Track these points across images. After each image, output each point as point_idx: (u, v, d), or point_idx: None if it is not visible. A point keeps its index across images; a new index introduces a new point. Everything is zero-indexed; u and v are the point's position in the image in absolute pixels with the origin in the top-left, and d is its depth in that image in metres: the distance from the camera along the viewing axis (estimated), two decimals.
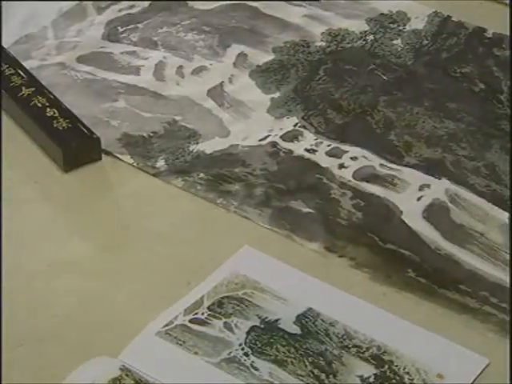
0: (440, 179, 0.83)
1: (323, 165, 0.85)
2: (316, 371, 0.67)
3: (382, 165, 0.85)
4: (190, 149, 0.88)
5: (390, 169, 0.85)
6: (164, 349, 0.68)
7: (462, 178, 0.84)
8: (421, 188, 0.83)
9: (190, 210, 0.81)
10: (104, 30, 1.03)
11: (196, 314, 0.71)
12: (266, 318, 0.71)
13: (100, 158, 0.86)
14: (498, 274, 0.75)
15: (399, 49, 0.99)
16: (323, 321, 0.70)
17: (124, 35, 1.02)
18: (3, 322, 0.70)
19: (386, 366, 0.67)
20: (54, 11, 1.06)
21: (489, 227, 0.79)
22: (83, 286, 0.74)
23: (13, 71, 0.92)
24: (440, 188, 0.83)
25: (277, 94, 0.94)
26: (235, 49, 1.00)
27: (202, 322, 0.70)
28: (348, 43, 1.00)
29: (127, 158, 0.87)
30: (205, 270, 0.75)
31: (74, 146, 0.85)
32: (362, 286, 0.74)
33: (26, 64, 0.95)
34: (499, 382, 0.66)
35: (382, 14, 1.03)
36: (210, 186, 0.83)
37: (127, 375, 0.65)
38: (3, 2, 1.04)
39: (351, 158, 0.86)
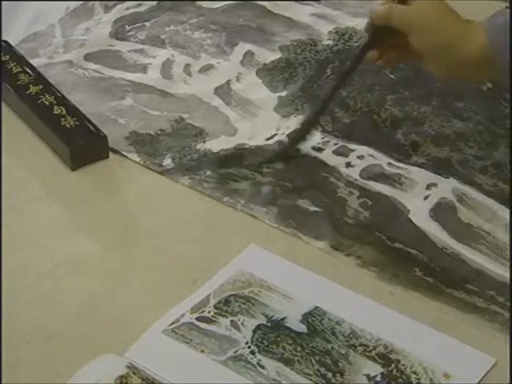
0: (447, 178, 0.83)
1: (330, 163, 0.85)
2: (323, 370, 0.67)
3: (389, 163, 0.85)
4: (197, 147, 0.88)
5: (398, 168, 0.85)
6: (170, 347, 0.68)
7: (469, 177, 0.83)
8: (428, 187, 0.83)
9: (196, 209, 0.81)
10: (111, 28, 1.03)
11: (202, 312, 0.71)
12: (273, 316, 0.71)
13: (107, 156, 0.86)
14: (505, 273, 0.74)
15: None
16: (330, 319, 0.70)
17: (131, 33, 1.03)
18: (11, 319, 0.70)
19: (393, 365, 0.67)
20: (61, 9, 1.06)
21: (496, 226, 0.79)
22: (90, 285, 0.74)
23: (20, 69, 0.93)
24: (447, 187, 0.82)
25: (284, 93, 0.94)
26: (242, 47, 1.00)
27: (209, 320, 0.70)
28: (355, 42, 1.00)
29: (134, 156, 0.87)
30: (211, 269, 0.74)
31: (82, 144, 0.85)
32: (369, 285, 0.74)
33: (34, 62, 0.96)
34: (506, 382, 0.66)
35: None
36: (217, 184, 0.83)
37: (134, 373, 0.65)
38: (11, 1, 1.05)
39: (358, 157, 0.86)
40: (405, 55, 0.82)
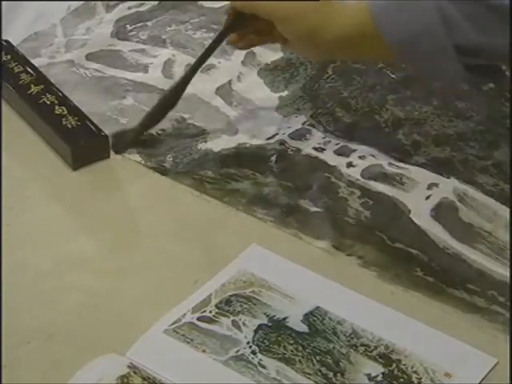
0: (448, 178, 0.83)
1: (331, 163, 0.85)
2: (323, 369, 0.67)
3: (390, 163, 0.85)
4: (198, 147, 0.88)
5: (399, 167, 0.85)
6: (172, 346, 0.68)
7: (470, 177, 0.83)
8: (429, 187, 0.83)
9: (197, 208, 0.81)
10: (113, 27, 1.04)
11: (204, 311, 0.71)
12: (274, 316, 0.71)
13: (108, 156, 0.86)
14: (506, 273, 0.74)
15: None
16: (331, 319, 0.70)
17: (133, 33, 1.03)
18: (11, 319, 0.70)
19: (394, 365, 0.67)
20: (62, 9, 1.06)
21: (497, 226, 0.79)
22: (91, 284, 0.74)
23: (22, 69, 0.93)
24: (448, 187, 0.82)
25: (285, 93, 0.94)
26: None
27: (210, 320, 0.70)
28: None
29: (135, 156, 0.87)
30: (213, 269, 0.75)
31: (83, 143, 0.85)
32: (370, 285, 0.74)
33: (35, 61, 0.96)
34: (507, 382, 0.66)
35: None
36: (218, 184, 0.83)
37: (135, 373, 0.65)
38: (12, 1, 1.05)
39: (359, 157, 0.86)
40: (268, 39, 0.84)
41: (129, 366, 0.66)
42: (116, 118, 0.91)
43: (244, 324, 0.70)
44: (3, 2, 1.04)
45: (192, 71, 0.86)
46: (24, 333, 0.70)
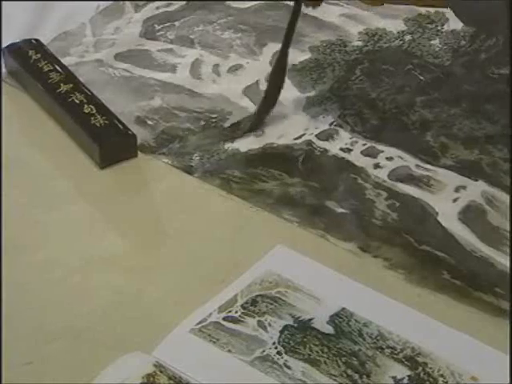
0: (476, 181, 0.83)
1: (358, 164, 0.85)
2: (349, 371, 0.67)
3: (417, 165, 0.85)
4: (225, 147, 0.88)
5: (426, 169, 0.84)
6: (197, 346, 0.68)
7: (498, 180, 0.83)
8: (457, 189, 0.82)
9: (224, 208, 0.81)
10: (141, 27, 1.04)
11: (230, 311, 0.71)
12: (300, 317, 0.71)
13: (136, 155, 0.87)
14: None
15: (437, 49, 0.98)
16: (357, 321, 0.70)
17: (161, 33, 1.03)
18: (41, 316, 0.71)
19: (420, 368, 0.67)
20: (92, 8, 1.07)
21: None
22: (118, 283, 0.74)
23: (51, 67, 0.93)
24: (476, 190, 0.82)
25: (313, 93, 0.94)
26: (272, 47, 1.00)
27: (236, 320, 0.70)
28: (385, 43, 1.00)
29: (162, 156, 0.87)
30: (239, 269, 0.75)
31: (111, 142, 0.86)
32: (397, 287, 0.73)
33: (65, 61, 0.96)
34: None
35: (420, 13, 1.03)
36: (245, 184, 0.83)
37: (161, 371, 0.65)
38: (42, 1, 1.06)
39: (387, 158, 0.86)
40: None
41: (155, 365, 0.66)
42: (144, 118, 0.91)
43: (270, 325, 0.70)
44: (33, 2, 1.05)
45: (286, 42, 0.89)
46: (52, 331, 0.70)
